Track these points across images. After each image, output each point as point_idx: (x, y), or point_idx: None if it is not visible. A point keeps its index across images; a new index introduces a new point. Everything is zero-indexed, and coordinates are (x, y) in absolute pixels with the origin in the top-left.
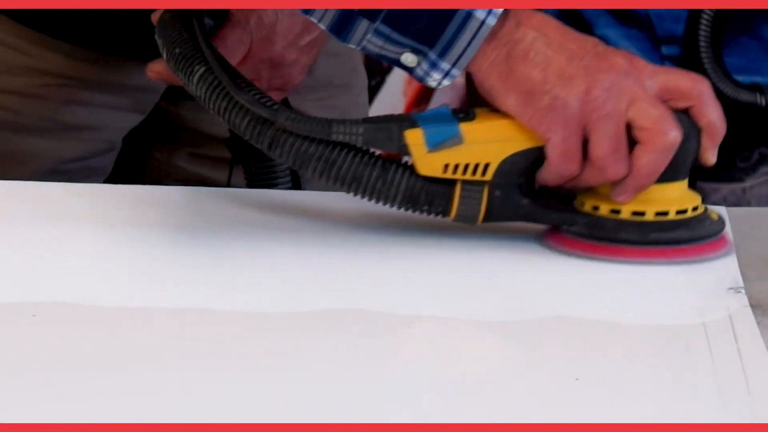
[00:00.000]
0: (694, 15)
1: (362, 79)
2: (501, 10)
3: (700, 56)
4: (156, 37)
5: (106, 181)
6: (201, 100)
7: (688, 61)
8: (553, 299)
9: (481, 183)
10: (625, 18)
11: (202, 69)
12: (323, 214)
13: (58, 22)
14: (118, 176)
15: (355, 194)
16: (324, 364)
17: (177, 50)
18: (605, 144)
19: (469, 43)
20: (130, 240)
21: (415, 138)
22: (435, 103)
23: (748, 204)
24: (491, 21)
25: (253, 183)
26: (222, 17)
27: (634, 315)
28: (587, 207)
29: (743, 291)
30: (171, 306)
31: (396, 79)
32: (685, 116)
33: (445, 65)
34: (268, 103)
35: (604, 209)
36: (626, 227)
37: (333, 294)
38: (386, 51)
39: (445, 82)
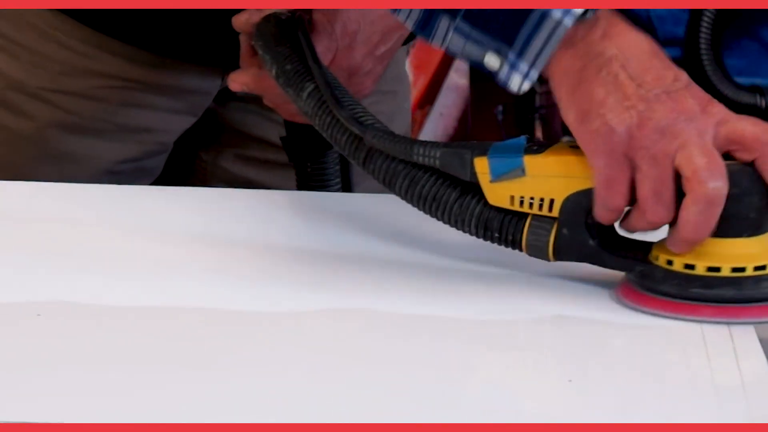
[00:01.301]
0: (695, 17)
1: (406, 85)
2: (579, 11)
3: (701, 58)
4: (261, 52)
5: (154, 183)
6: (308, 116)
7: (689, 62)
8: (553, 300)
9: (551, 219)
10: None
11: (312, 86)
12: (336, 216)
13: (119, 23)
14: (166, 177)
15: (434, 215)
16: (327, 362)
17: (288, 67)
18: (647, 185)
19: (546, 43)
20: (139, 240)
21: (482, 167)
22: (439, 106)
23: None
24: (568, 22)
25: (305, 184)
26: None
27: (630, 313)
28: (651, 256)
29: None
30: (177, 305)
31: None
32: (749, 169)
33: (523, 66)
34: (364, 120)
35: (662, 259)
36: (671, 279)
37: (338, 293)
38: (469, 52)
39: (525, 86)
